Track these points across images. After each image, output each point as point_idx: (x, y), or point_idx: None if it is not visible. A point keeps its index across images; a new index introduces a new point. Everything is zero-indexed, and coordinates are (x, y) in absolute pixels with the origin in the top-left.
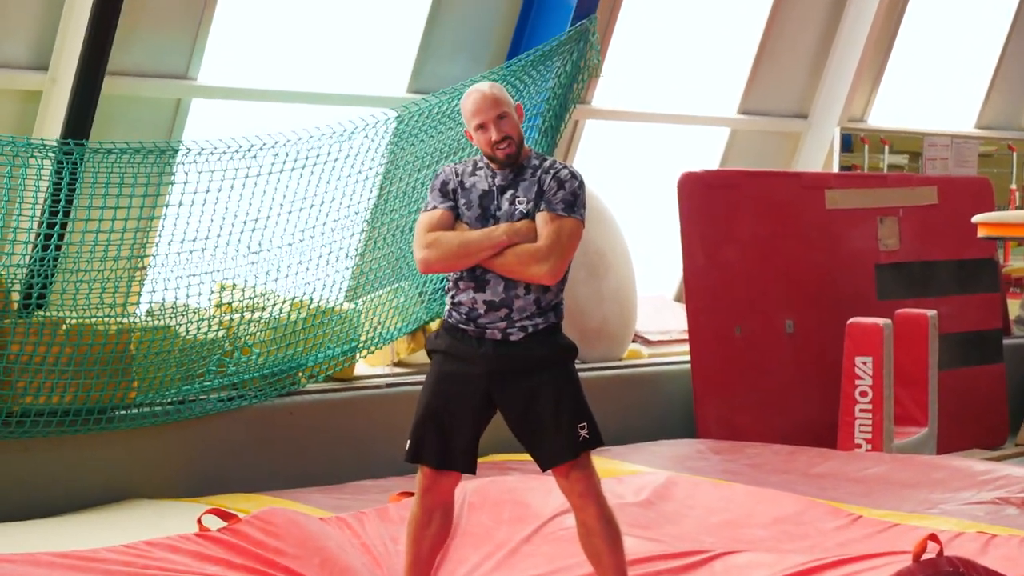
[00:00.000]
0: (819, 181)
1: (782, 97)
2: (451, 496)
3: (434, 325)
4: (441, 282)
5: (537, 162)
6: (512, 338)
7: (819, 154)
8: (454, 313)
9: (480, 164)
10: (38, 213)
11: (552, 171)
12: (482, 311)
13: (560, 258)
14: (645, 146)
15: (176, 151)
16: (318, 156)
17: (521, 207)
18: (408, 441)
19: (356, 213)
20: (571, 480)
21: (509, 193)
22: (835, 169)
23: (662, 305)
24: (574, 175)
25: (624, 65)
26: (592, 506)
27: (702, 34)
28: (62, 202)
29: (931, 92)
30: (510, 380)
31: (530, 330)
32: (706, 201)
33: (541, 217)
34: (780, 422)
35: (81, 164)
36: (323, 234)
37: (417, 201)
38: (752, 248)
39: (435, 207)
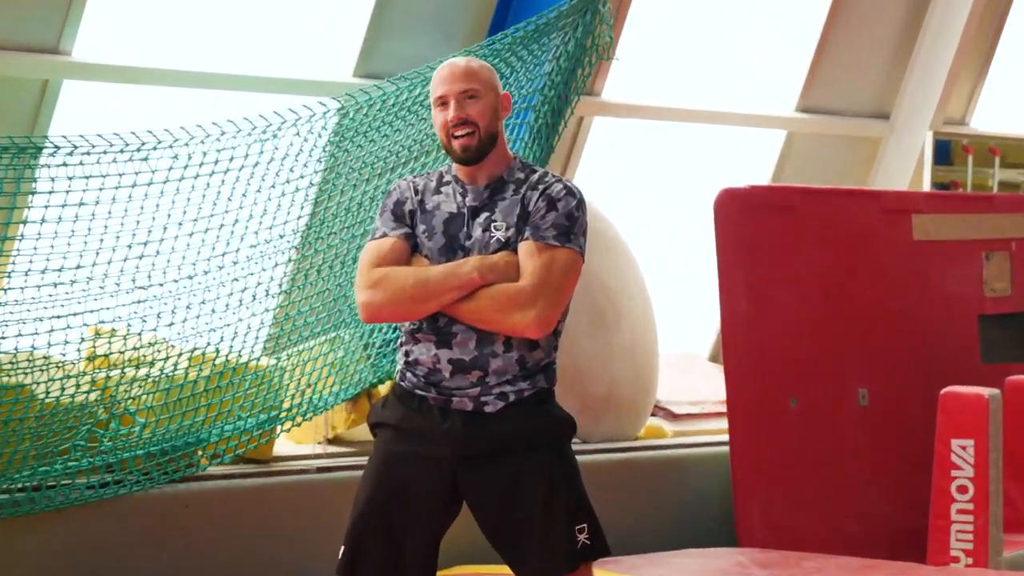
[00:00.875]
0: (905, 203)
1: (855, 90)
2: None
3: (383, 389)
4: (394, 332)
5: (522, 175)
6: (487, 409)
7: (905, 167)
8: (409, 375)
9: (447, 177)
10: None
11: (541, 187)
12: (447, 373)
13: (551, 303)
14: (671, 153)
15: (40, 149)
16: (231, 160)
17: (499, 234)
18: (342, 547)
19: (281, 237)
20: None
21: (483, 216)
22: (926, 187)
23: (692, 366)
24: (571, 191)
25: (644, 45)
26: None
27: (748, 6)
28: None
29: None
30: (484, 465)
31: (512, 398)
32: (753, 228)
33: (525, 248)
34: (849, 525)
35: None
36: (235, 264)
37: (364, 223)
38: (814, 292)
39: (385, 234)
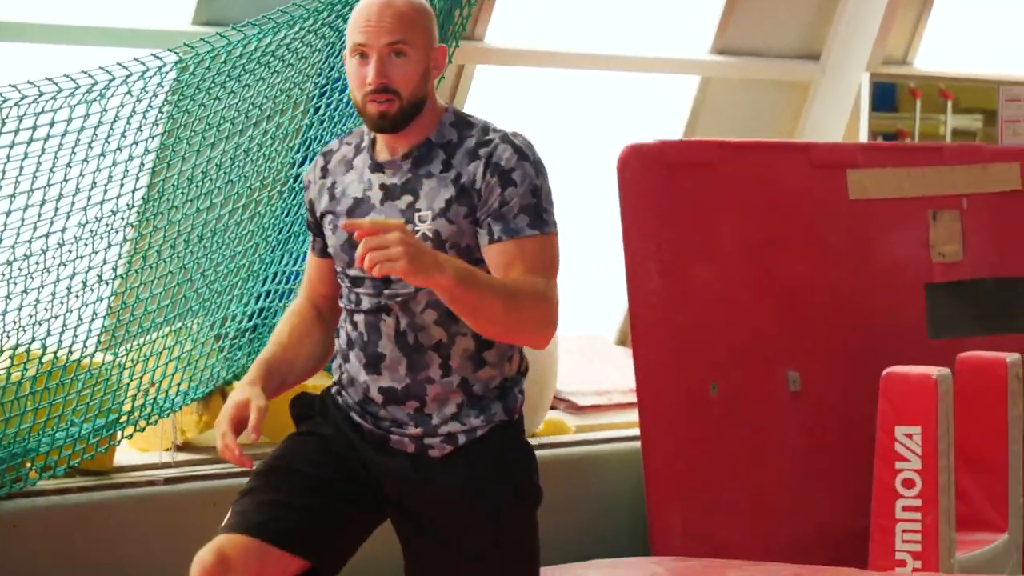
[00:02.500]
0: (839, 157)
1: (780, 27)
2: None
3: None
4: (249, 321)
5: (455, 136)
6: (432, 453)
7: (839, 115)
8: (344, 393)
9: (365, 141)
10: None
11: (484, 152)
12: (379, 401)
13: (556, 303)
14: (567, 106)
15: None
16: (52, 125)
17: (424, 226)
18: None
19: (114, 213)
20: None
21: (405, 201)
22: (863, 138)
23: (597, 350)
24: (523, 153)
25: None
26: None
27: None
28: None
29: (1014, 21)
30: (424, 519)
31: (462, 441)
32: (663, 190)
33: (498, 252)
34: (780, 528)
35: None
36: (62, 247)
37: (210, 193)
38: (735, 262)
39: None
